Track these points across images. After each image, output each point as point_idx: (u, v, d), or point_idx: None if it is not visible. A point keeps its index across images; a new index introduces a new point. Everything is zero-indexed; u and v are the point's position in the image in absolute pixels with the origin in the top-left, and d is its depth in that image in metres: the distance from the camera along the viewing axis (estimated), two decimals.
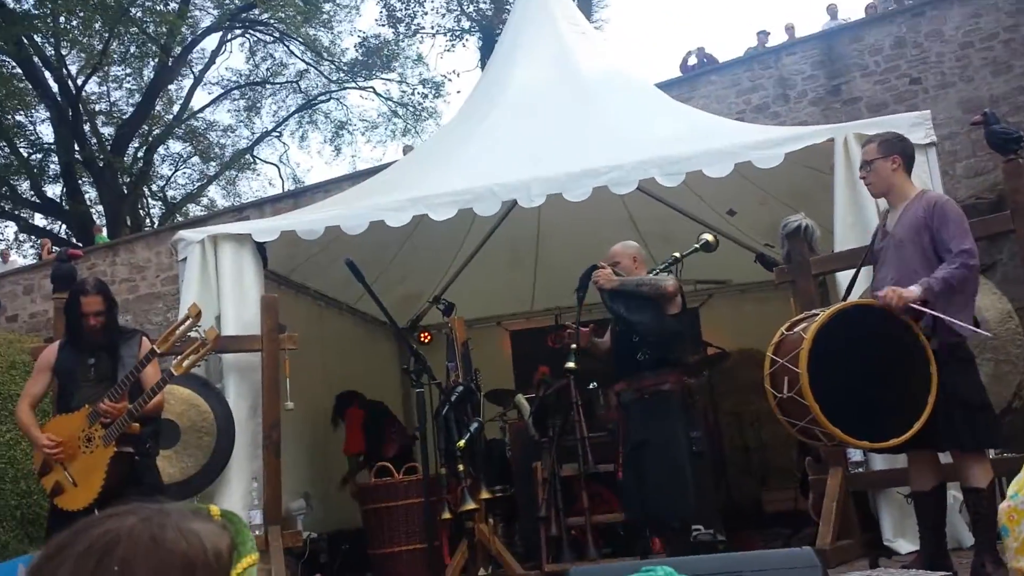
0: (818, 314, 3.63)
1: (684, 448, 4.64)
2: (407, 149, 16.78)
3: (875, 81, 12.60)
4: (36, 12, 19.14)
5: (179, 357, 4.20)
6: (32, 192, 21.53)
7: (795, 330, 3.63)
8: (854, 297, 4.13)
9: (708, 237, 4.94)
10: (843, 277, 4.73)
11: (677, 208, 6.79)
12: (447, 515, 4.66)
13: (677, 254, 4.92)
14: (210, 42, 22.35)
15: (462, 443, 4.31)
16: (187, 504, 1.01)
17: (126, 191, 21.11)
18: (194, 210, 24.20)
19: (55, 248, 18.12)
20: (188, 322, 4.26)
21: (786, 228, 4.81)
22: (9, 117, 21.17)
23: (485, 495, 4.69)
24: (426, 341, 8.11)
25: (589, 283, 4.89)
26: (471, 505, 4.46)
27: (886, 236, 3.85)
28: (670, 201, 6.70)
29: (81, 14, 18.89)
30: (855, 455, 4.46)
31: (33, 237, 21.23)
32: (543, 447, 5.37)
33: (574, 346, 4.86)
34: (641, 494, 4.63)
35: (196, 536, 0.90)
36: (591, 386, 5.73)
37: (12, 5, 18.91)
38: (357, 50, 23.05)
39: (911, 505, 3.92)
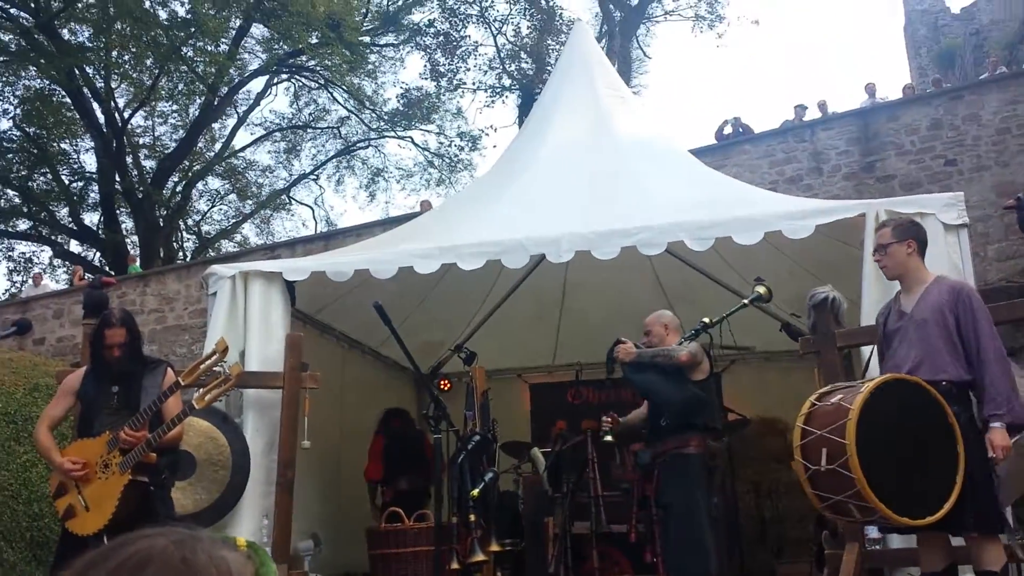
0: (855, 385, 3.60)
1: (703, 512, 4.63)
2: (425, 205, 16.94)
3: (910, 160, 12.63)
4: (90, 45, 19.71)
5: (202, 390, 4.23)
6: (70, 219, 21.94)
7: (831, 401, 3.57)
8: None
9: (761, 289, 4.95)
10: (868, 351, 4.70)
11: (704, 272, 6.80)
12: (456, 565, 4.61)
13: (706, 320, 4.95)
14: (256, 84, 22.94)
15: (476, 492, 4.29)
16: (216, 533, 1.02)
17: (162, 223, 21.46)
18: (227, 246, 24.55)
19: (87, 275, 18.40)
20: (214, 357, 4.30)
21: (813, 299, 4.79)
22: (55, 145, 21.69)
23: (495, 548, 4.66)
24: (446, 389, 8.11)
25: (614, 360, 5.06)
26: (480, 557, 4.41)
27: (903, 317, 3.88)
28: (698, 265, 6.71)
29: (134, 50, 19.42)
30: (872, 532, 4.39)
31: (67, 263, 21.58)
32: (556, 503, 5.33)
33: (608, 419, 4.96)
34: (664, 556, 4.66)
35: (224, 562, 0.92)
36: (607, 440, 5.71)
37: (67, 37, 19.50)
38: (399, 100, 23.51)
39: None
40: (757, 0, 47.14)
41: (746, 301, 4.99)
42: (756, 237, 5.18)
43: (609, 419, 5.19)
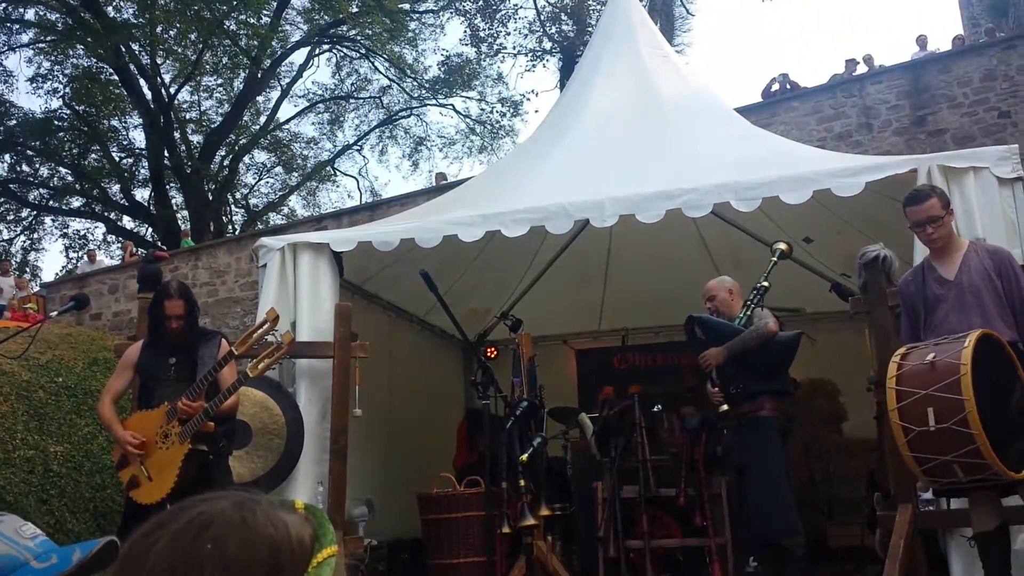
0: (944, 342, 3.55)
1: (781, 472, 4.67)
2: (441, 177, 16.98)
3: (962, 113, 12.30)
4: (135, 22, 19.94)
5: (255, 360, 4.31)
6: (122, 195, 22.36)
7: (925, 360, 3.50)
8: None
9: (782, 246, 4.88)
10: None
11: (751, 233, 6.72)
12: (506, 529, 4.67)
13: (766, 283, 4.87)
14: (298, 56, 23.02)
15: (525, 457, 4.33)
16: (274, 496, 1.06)
17: (211, 197, 21.76)
18: (275, 219, 24.84)
19: (138, 250, 18.77)
20: (266, 326, 4.38)
21: (864, 258, 4.72)
22: (104, 122, 22.06)
23: (545, 512, 4.69)
24: (492, 356, 8.16)
25: (694, 329, 4.98)
26: (530, 521, 4.45)
27: (945, 284, 3.89)
28: (744, 226, 6.64)
29: (178, 25, 19.60)
30: (925, 493, 4.34)
31: (120, 239, 22.03)
32: (604, 467, 5.36)
33: (717, 389, 4.96)
34: (742, 516, 4.68)
35: (283, 523, 0.94)
36: (655, 409, 5.71)
37: (112, 14, 19.74)
38: (439, 68, 23.47)
39: (974, 548, 3.84)
40: None
41: (775, 259, 4.93)
42: (804, 196, 5.10)
43: (717, 389, 5.09)
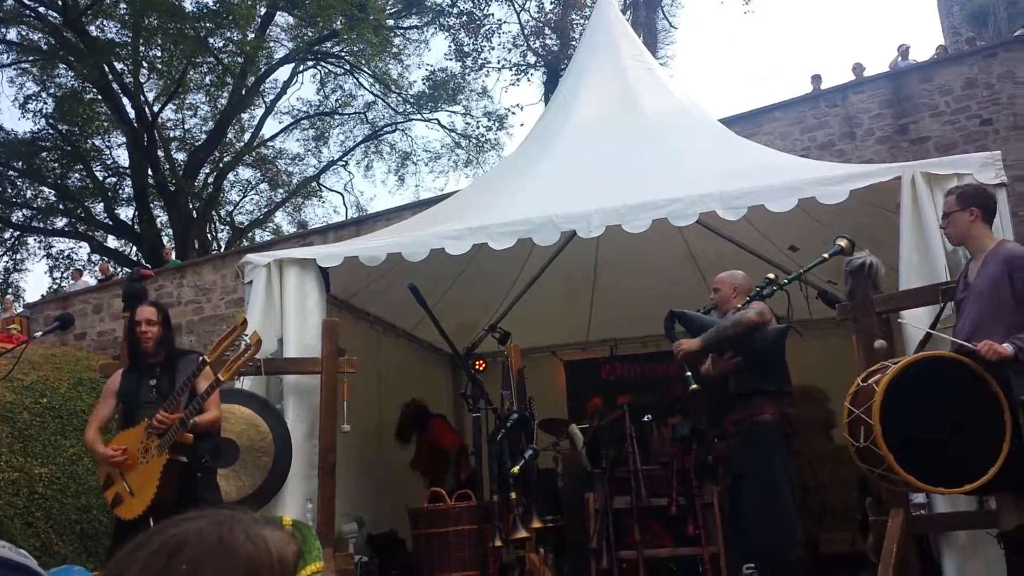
0: (888, 364, 3.71)
1: (783, 480, 4.59)
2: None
3: (944, 121, 12.41)
4: (118, 41, 19.89)
5: (226, 364, 4.30)
6: (105, 214, 22.23)
7: (870, 381, 3.68)
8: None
9: (842, 243, 4.81)
10: (907, 315, 4.65)
11: (737, 242, 6.73)
12: (498, 542, 4.64)
13: (772, 276, 4.84)
14: (282, 73, 22.99)
15: (516, 469, 4.31)
16: (260, 513, 1.04)
17: (195, 215, 21.66)
18: (260, 235, 24.74)
19: (119, 268, 18.63)
20: (236, 332, 4.36)
21: (850, 265, 4.73)
22: (88, 141, 21.96)
23: (537, 524, 4.67)
24: (481, 369, 8.11)
25: (673, 326, 4.89)
26: (523, 533, 4.44)
27: (968, 286, 3.90)
28: (730, 235, 6.65)
29: (168, 46, 19.56)
30: (918, 497, 4.35)
31: (104, 258, 21.89)
32: (595, 478, 5.34)
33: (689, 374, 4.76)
34: (740, 527, 4.62)
35: (263, 541, 0.93)
36: (645, 419, 5.69)
37: (95, 33, 19.69)
38: (424, 83, 23.50)
39: (1001, 547, 3.84)
40: None
41: (826, 255, 4.77)
42: (790, 204, 5.12)
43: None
